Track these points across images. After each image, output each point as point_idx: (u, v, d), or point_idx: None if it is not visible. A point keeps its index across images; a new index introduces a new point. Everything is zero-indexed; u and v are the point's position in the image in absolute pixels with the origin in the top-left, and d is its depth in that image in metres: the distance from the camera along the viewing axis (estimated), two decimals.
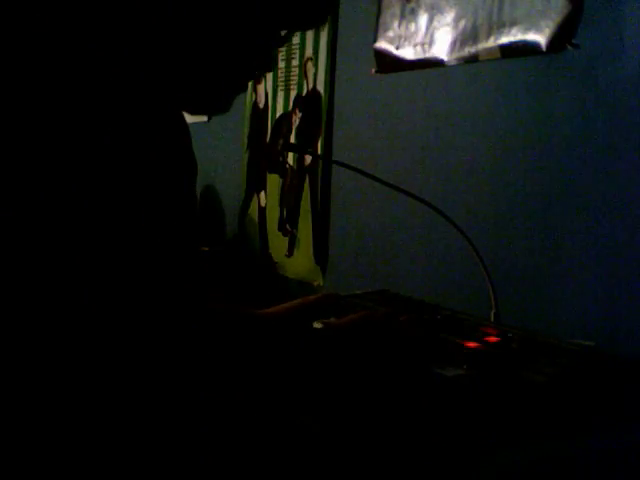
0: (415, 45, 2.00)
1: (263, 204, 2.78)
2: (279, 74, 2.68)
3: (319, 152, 2.41)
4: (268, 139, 2.74)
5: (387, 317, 1.08)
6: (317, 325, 1.15)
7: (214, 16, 0.89)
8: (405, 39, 2.04)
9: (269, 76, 2.73)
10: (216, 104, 0.97)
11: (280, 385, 0.95)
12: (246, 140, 2.88)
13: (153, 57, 0.87)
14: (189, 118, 0.96)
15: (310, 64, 2.48)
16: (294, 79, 2.58)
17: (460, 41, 1.84)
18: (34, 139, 0.76)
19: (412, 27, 2.02)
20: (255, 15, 0.90)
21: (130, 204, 0.80)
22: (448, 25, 1.88)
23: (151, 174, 0.83)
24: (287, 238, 2.61)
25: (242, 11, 0.90)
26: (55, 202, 0.76)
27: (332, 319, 1.15)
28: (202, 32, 0.89)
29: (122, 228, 0.79)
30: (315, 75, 2.46)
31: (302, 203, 2.51)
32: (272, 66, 0.99)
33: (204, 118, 2.82)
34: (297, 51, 2.57)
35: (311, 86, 2.49)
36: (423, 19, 1.98)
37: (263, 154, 2.79)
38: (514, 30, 1.67)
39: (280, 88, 2.67)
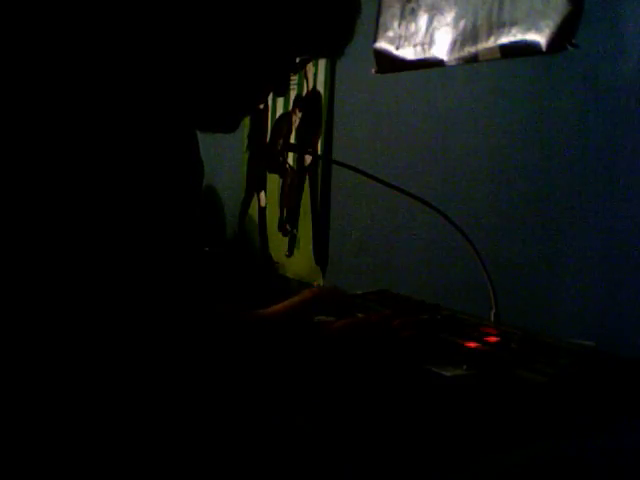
0: (415, 45, 2.00)
1: (263, 204, 2.78)
2: None
3: (319, 152, 2.41)
4: (268, 139, 2.74)
5: (382, 320, 1.09)
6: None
7: (228, 41, 0.89)
8: (405, 39, 2.04)
9: None
10: (225, 124, 0.97)
11: (278, 387, 0.95)
12: (246, 140, 2.88)
13: (161, 70, 0.87)
14: None
15: (310, 64, 2.48)
16: (294, 79, 2.57)
17: (460, 41, 1.83)
18: (34, 138, 0.76)
19: (412, 27, 2.02)
20: (271, 41, 0.91)
21: (130, 204, 0.80)
22: (448, 25, 1.88)
23: (153, 174, 0.83)
24: (287, 238, 2.61)
25: (258, 37, 0.90)
26: (55, 202, 0.76)
27: (331, 319, 1.15)
28: (215, 54, 0.89)
29: (122, 228, 0.79)
30: (315, 75, 2.46)
31: (302, 203, 2.51)
32: (285, 91, 0.99)
33: None
34: None
35: (311, 86, 2.49)
36: (423, 19, 1.98)
37: (263, 154, 2.79)
38: (514, 30, 1.67)
39: None
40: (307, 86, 2.51)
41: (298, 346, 0.98)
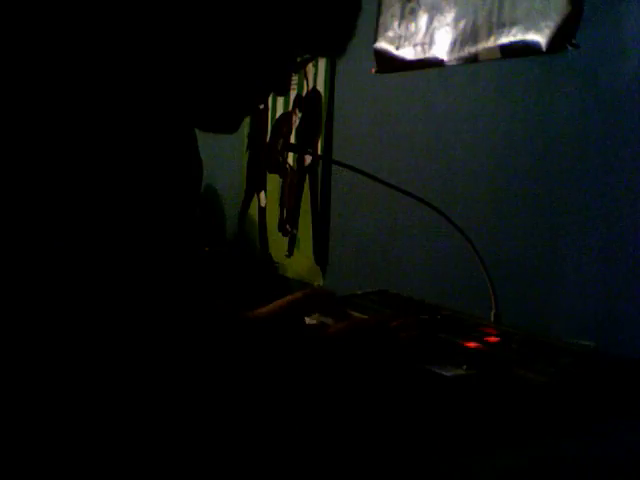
0: (415, 45, 2.00)
1: (263, 204, 2.78)
2: None
3: (319, 152, 2.41)
4: (268, 139, 2.74)
5: (381, 321, 1.09)
6: (311, 321, 1.16)
7: (229, 40, 0.89)
8: (405, 39, 2.04)
9: None
10: (226, 124, 0.97)
11: (278, 387, 0.95)
12: (246, 140, 2.88)
13: (161, 70, 0.87)
14: None
15: (310, 64, 2.48)
16: (294, 79, 2.57)
17: (460, 41, 1.83)
18: (32, 137, 0.76)
19: (412, 27, 2.02)
20: (272, 41, 0.91)
21: (129, 204, 0.80)
22: (448, 25, 1.88)
23: (152, 173, 0.83)
24: (287, 238, 2.61)
25: (258, 36, 0.90)
26: (54, 201, 0.76)
27: (329, 320, 1.15)
28: (216, 54, 0.89)
29: (121, 228, 0.79)
30: (315, 75, 2.46)
31: (302, 203, 2.51)
32: (286, 91, 0.99)
33: None
34: None
35: (311, 86, 2.49)
36: (423, 19, 1.98)
37: (263, 154, 2.79)
38: (514, 30, 1.67)
39: None
40: (307, 86, 2.51)
41: (287, 345, 0.98)
